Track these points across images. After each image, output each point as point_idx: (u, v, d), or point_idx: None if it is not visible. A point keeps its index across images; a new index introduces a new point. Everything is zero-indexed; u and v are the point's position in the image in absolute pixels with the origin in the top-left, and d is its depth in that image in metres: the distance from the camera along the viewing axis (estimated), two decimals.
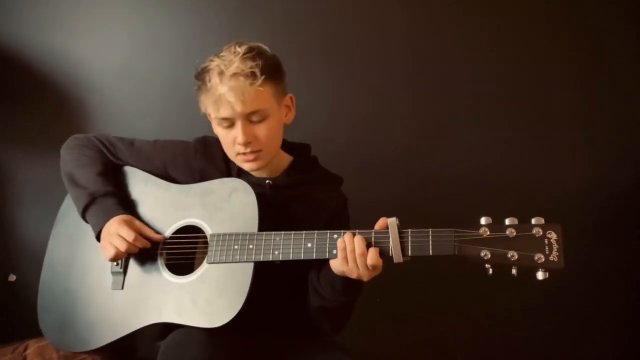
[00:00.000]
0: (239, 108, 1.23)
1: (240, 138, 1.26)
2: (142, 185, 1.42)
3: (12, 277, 1.96)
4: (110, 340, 1.29)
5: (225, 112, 1.25)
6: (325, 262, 1.21)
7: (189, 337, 1.18)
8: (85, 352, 1.33)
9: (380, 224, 1.17)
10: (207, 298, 1.22)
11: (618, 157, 2.05)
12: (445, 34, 2.04)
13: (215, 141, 1.43)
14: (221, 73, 1.23)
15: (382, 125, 2.05)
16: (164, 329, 1.24)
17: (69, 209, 1.45)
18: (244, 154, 1.29)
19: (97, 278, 1.36)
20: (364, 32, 2.03)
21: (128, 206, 1.38)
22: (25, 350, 1.43)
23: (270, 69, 1.25)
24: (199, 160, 1.40)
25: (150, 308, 1.28)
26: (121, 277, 1.34)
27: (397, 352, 2.03)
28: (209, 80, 1.24)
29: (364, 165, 2.01)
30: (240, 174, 1.38)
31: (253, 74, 1.22)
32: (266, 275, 1.23)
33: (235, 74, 1.22)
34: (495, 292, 1.97)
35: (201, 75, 1.27)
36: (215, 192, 1.32)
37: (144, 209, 1.39)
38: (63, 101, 2.00)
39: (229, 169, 1.40)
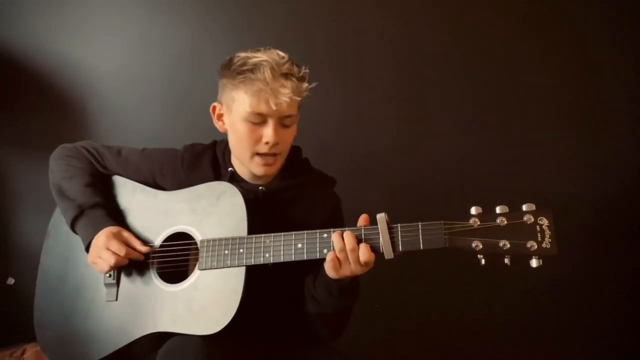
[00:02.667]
0: (284, 106, 1.23)
1: (272, 137, 1.25)
2: (130, 195, 1.41)
3: (11, 281, 1.97)
4: (109, 352, 1.29)
5: (265, 108, 1.23)
6: (321, 268, 1.20)
7: (187, 344, 1.17)
8: None
9: (361, 221, 1.16)
10: (201, 305, 1.22)
11: (613, 159, 2.06)
12: (433, 36, 2.07)
13: (204, 149, 1.42)
14: (273, 69, 1.22)
15: (369, 126, 2.07)
16: (160, 338, 1.23)
17: (59, 222, 1.44)
18: (265, 155, 1.28)
19: (91, 290, 1.36)
20: (351, 36, 2.06)
21: (117, 217, 1.36)
22: (22, 354, 1.44)
23: (309, 81, 1.28)
24: (187, 169, 1.38)
25: (146, 318, 1.27)
26: (114, 289, 1.33)
27: (396, 357, 2.04)
28: (259, 73, 1.22)
29: (353, 165, 2.02)
30: (233, 180, 1.36)
31: (303, 78, 1.25)
32: (261, 279, 1.22)
33: (288, 74, 1.23)
34: (493, 296, 1.99)
35: (244, 67, 1.24)
36: (202, 196, 1.31)
37: (133, 219, 1.37)
38: (62, 104, 2.01)
39: (218, 176, 1.38)
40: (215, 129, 1.39)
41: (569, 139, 2.07)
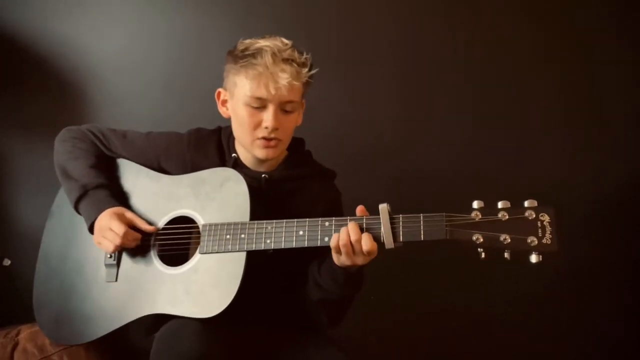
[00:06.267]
0: (284, 91, 1.25)
1: (271, 122, 1.26)
2: (134, 177, 1.42)
3: (7, 262, 1.95)
4: (105, 332, 1.29)
5: (265, 93, 1.25)
6: (327, 254, 1.21)
7: (184, 327, 1.18)
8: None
9: (358, 212, 1.17)
10: (200, 288, 1.22)
11: (612, 152, 2.06)
12: (431, 33, 2.07)
13: (209, 133, 1.43)
14: (274, 55, 1.24)
15: (371, 118, 2.06)
16: (158, 321, 1.23)
17: (62, 203, 1.45)
18: (266, 139, 1.29)
19: (91, 271, 1.36)
20: (354, 28, 2.06)
21: (120, 198, 1.37)
22: (17, 335, 1.43)
23: (311, 68, 1.29)
24: (192, 153, 1.39)
25: (144, 299, 1.27)
26: (115, 269, 1.33)
27: (392, 348, 2.04)
28: (260, 58, 1.24)
29: (355, 157, 2.02)
30: (236, 166, 1.37)
31: (304, 64, 1.27)
32: (261, 266, 1.23)
33: (289, 60, 1.25)
34: (490, 288, 1.98)
35: (246, 52, 1.26)
36: (206, 181, 1.32)
37: (136, 201, 1.38)
38: (63, 88, 2.00)
39: (223, 161, 1.39)
40: (218, 115, 1.40)
41: (570, 133, 2.08)
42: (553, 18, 2.08)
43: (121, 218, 1.30)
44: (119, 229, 1.27)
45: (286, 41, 1.29)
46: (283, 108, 1.28)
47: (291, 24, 2.03)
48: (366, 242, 1.12)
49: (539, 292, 2.02)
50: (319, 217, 1.26)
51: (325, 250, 1.20)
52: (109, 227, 1.28)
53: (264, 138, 1.29)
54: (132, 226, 1.31)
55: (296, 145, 1.42)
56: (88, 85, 2.01)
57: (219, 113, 1.39)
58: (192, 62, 2.03)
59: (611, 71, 2.06)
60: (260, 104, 1.27)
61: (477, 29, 2.07)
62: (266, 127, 1.27)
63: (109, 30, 2.02)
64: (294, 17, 2.04)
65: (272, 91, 1.24)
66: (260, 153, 1.31)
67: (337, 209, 1.40)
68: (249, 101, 1.27)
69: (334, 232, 1.16)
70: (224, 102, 1.37)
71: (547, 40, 2.07)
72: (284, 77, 1.23)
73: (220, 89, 1.37)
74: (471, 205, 1.11)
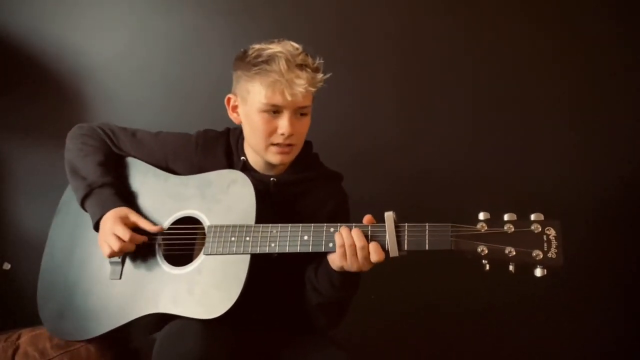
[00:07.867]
0: (299, 97, 1.25)
1: (287, 128, 1.26)
2: (141, 176, 1.42)
3: (7, 266, 1.95)
4: (107, 329, 1.30)
5: (281, 100, 1.25)
6: (323, 258, 1.21)
7: (186, 327, 1.18)
8: (80, 342, 1.34)
9: (365, 221, 1.17)
10: (203, 289, 1.22)
11: (613, 155, 2.07)
12: (432, 33, 2.07)
13: (217, 136, 1.43)
14: (288, 61, 1.24)
15: (373, 120, 2.07)
16: (160, 321, 1.24)
17: (70, 199, 1.46)
18: (280, 145, 1.29)
19: (96, 268, 1.37)
20: (357, 29, 2.07)
21: (126, 197, 1.38)
22: (18, 339, 1.42)
23: (324, 72, 1.29)
24: (200, 155, 1.40)
25: (147, 298, 1.28)
26: (119, 267, 1.34)
27: (393, 348, 2.04)
28: (274, 64, 1.23)
29: (356, 160, 2.02)
30: (244, 169, 1.37)
31: (318, 70, 1.27)
32: (264, 268, 1.23)
33: (302, 65, 1.25)
34: (490, 289, 1.96)
35: (258, 59, 1.26)
36: (213, 183, 1.32)
37: (142, 200, 1.39)
38: (62, 90, 2.00)
39: (231, 163, 1.40)
40: (219, 117, 1.41)
41: (571, 133, 2.08)
42: (554, 18, 2.08)
43: (125, 221, 1.30)
44: (124, 234, 1.27)
45: (296, 45, 1.28)
46: (297, 113, 1.29)
47: (291, 24, 2.03)
48: (376, 251, 1.12)
49: (540, 294, 2.01)
50: (325, 219, 1.26)
51: (325, 253, 1.20)
52: (113, 231, 1.28)
53: (278, 144, 1.29)
54: (136, 227, 1.31)
55: (303, 148, 1.42)
56: (87, 88, 2.01)
57: (220, 115, 1.39)
58: (192, 63, 2.03)
59: (612, 72, 2.07)
60: (276, 110, 1.27)
61: (477, 29, 2.08)
62: (282, 134, 1.27)
63: (108, 31, 2.01)
64: (294, 17, 2.04)
65: (289, 97, 1.24)
66: (275, 159, 1.31)
67: (344, 212, 1.40)
68: (264, 108, 1.27)
69: None
70: (235, 108, 1.36)
71: (547, 40, 2.07)
72: (300, 84, 1.23)
73: (230, 95, 1.37)
74: (474, 206, 1.11)
